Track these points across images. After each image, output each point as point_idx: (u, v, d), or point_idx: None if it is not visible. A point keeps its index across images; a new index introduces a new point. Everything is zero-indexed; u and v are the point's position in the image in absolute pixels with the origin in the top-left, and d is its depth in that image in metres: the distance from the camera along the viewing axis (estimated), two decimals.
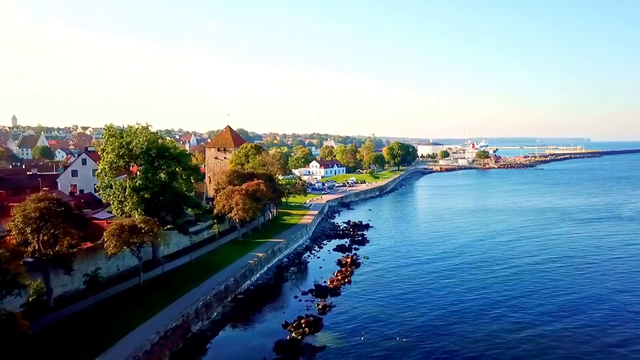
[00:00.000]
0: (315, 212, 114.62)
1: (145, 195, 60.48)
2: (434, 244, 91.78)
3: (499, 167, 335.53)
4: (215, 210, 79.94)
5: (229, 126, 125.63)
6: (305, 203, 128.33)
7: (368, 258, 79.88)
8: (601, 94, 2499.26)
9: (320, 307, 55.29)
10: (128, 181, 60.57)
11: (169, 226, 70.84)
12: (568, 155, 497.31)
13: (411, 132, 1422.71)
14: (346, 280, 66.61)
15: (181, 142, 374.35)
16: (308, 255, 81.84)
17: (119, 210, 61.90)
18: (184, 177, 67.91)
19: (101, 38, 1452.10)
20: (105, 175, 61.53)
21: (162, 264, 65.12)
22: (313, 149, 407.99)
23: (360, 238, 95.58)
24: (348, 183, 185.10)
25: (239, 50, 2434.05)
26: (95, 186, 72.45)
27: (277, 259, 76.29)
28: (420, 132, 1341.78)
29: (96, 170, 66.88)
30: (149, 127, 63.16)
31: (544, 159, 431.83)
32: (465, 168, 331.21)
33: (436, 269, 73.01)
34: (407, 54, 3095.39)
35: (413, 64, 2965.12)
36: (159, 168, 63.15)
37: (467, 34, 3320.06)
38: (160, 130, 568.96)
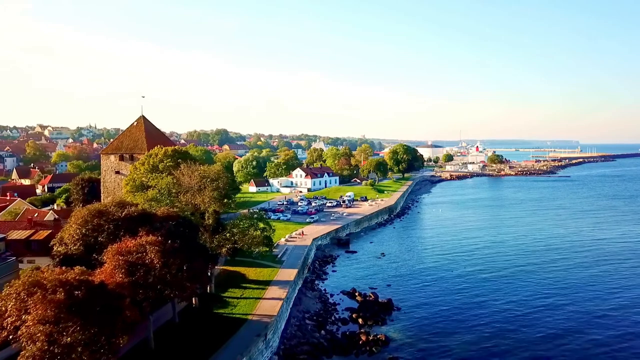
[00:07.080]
0: (292, 274, 62.68)
1: None
2: None
3: (515, 174, 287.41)
4: None
5: (144, 117, 72.01)
6: (274, 249, 72.80)
7: None
8: (596, 97, 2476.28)
9: None
10: None
11: None
12: (581, 160, 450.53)
13: (403, 134, 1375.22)
14: None
15: None
16: None
17: None
18: None
19: (76, 35, 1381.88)
20: None
21: None
22: (300, 151, 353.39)
23: None
24: (344, 202, 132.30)
25: (230, 51, 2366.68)
26: None
27: None
28: (413, 134, 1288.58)
29: None
30: None
31: (559, 163, 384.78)
32: (477, 175, 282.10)
33: None
34: (401, 55, 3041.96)
35: (407, 66, 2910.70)
36: None
37: (463, 35, 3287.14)
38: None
